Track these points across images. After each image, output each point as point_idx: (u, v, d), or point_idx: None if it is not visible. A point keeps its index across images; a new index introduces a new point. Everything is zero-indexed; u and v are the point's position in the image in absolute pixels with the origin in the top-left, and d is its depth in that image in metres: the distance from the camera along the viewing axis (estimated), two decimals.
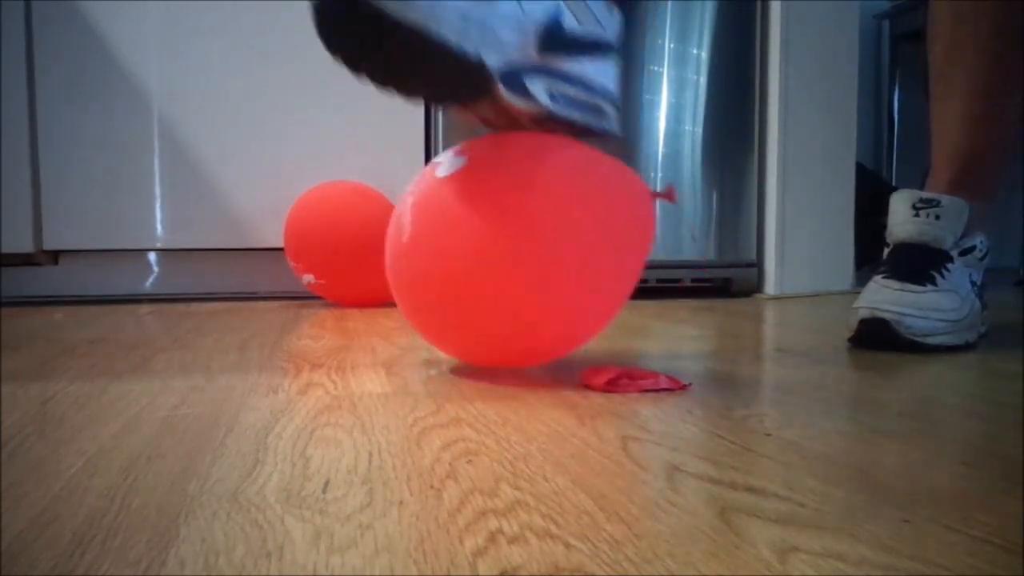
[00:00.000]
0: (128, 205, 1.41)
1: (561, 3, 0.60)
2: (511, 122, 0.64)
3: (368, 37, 0.53)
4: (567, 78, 0.62)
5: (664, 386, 0.62)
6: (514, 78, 0.57)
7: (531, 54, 0.59)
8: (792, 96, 1.60)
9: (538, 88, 0.60)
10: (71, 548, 0.32)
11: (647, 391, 0.62)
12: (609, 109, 0.67)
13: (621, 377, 0.63)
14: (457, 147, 0.66)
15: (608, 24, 0.65)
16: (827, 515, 0.35)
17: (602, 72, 0.65)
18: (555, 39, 0.60)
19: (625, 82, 1.53)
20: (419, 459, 0.44)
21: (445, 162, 0.65)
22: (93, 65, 1.38)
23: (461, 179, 0.62)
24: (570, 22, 0.61)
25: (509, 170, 0.62)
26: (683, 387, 0.63)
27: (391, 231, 0.68)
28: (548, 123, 0.63)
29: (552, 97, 0.61)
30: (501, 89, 0.57)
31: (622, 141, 1.39)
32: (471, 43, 0.54)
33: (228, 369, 0.73)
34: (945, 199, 0.89)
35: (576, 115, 0.64)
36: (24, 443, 0.48)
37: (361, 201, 1.33)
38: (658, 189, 1.57)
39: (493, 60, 0.55)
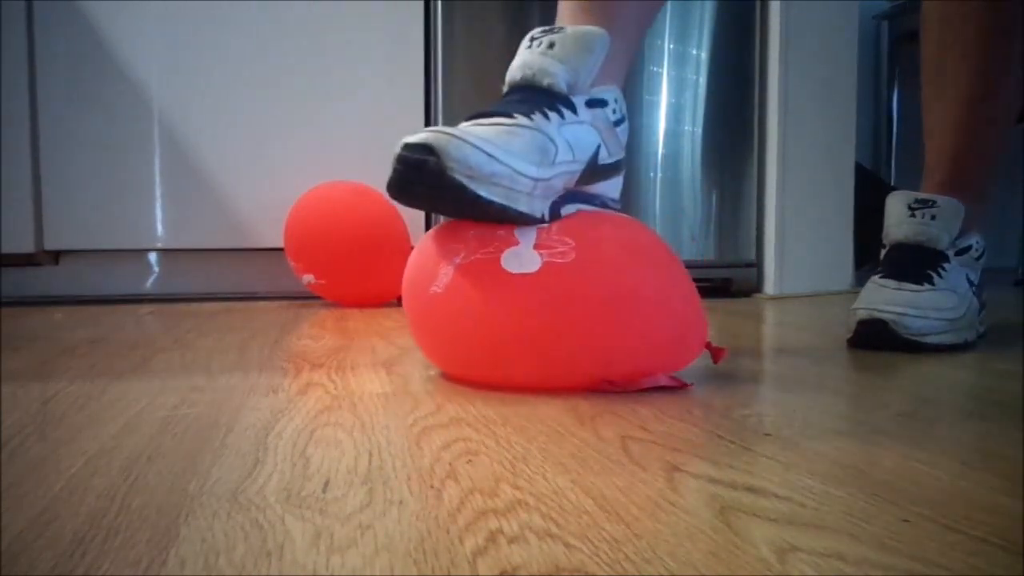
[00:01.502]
0: (128, 205, 1.41)
1: (600, 142, 0.70)
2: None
3: (446, 201, 0.61)
4: (588, 199, 0.70)
5: (664, 383, 0.63)
6: (554, 208, 0.66)
7: (569, 187, 0.68)
8: (792, 96, 1.60)
9: (569, 211, 0.68)
10: (71, 548, 0.32)
11: (647, 389, 0.62)
12: (615, 184, 0.75)
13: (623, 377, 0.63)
14: (518, 240, 0.63)
15: (624, 142, 0.74)
16: (827, 515, 0.35)
17: (613, 186, 0.73)
18: (592, 173, 0.70)
19: (626, 85, 1.53)
20: (419, 459, 0.44)
21: (511, 257, 0.61)
22: (93, 65, 1.38)
23: (552, 280, 0.61)
24: (603, 155, 0.70)
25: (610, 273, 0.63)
26: (684, 386, 0.64)
27: (416, 280, 0.66)
28: None
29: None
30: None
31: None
32: (537, 206, 0.64)
33: (228, 369, 0.73)
34: (941, 199, 0.89)
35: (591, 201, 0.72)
36: (24, 443, 0.48)
37: (361, 201, 1.33)
38: (657, 191, 1.57)
39: (544, 206, 0.65)
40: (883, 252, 0.93)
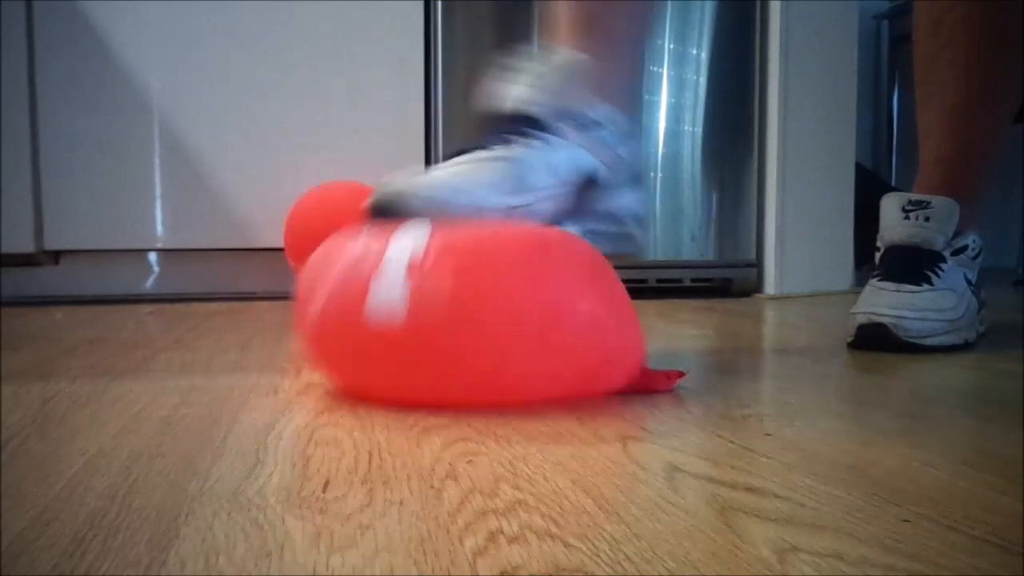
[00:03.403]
0: (128, 205, 1.41)
1: (597, 162, 0.70)
2: None
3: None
4: (599, 217, 0.71)
5: (652, 386, 0.62)
6: (544, 215, 0.67)
7: (567, 205, 0.69)
8: (792, 96, 1.60)
9: (573, 229, 0.68)
10: (71, 548, 0.32)
11: (647, 390, 0.62)
12: (637, 232, 0.76)
13: None
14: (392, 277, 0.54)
15: (633, 154, 0.75)
16: (827, 515, 0.35)
17: (632, 200, 0.74)
18: (590, 193, 0.70)
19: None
20: (419, 459, 0.44)
21: (377, 300, 0.53)
22: (93, 65, 1.38)
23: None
24: (601, 169, 0.71)
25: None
26: (669, 389, 0.62)
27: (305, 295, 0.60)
28: None
29: (584, 235, 0.70)
30: None
31: (644, 255, 1.47)
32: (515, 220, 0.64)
33: (228, 369, 0.73)
34: (934, 200, 0.89)
35: (606, 247, 0.71)
36: (24, 443, 0.48)
37: (361, 201, 1.33)
38: (657, 191, 1.57)
39: (536, 224, 0.65)
40: (878, 255, 0.93)
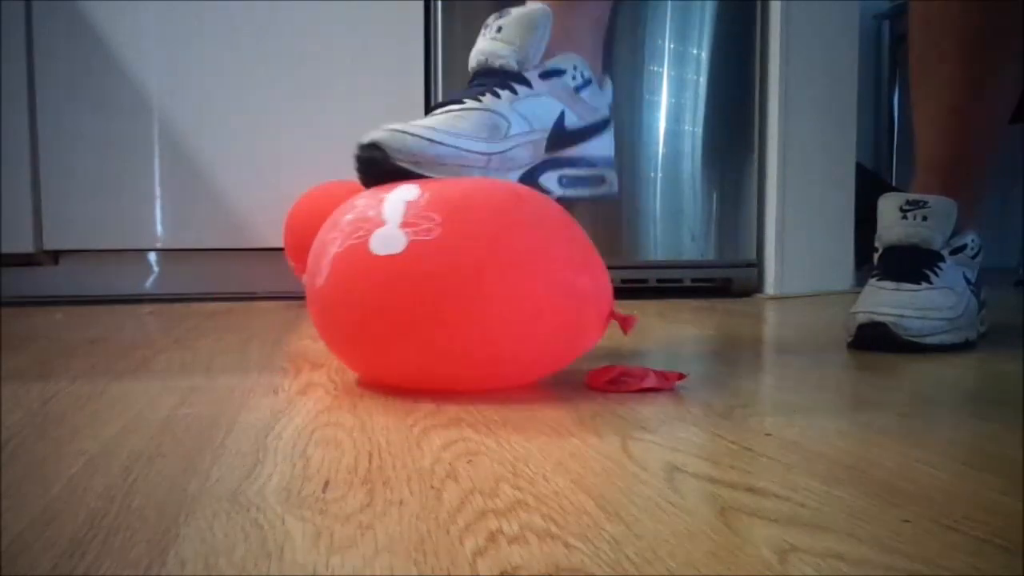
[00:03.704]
0: (128, 205, 1.41)
1: (564, 108, 0.74)
2: None
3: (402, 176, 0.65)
4: (572, 162, 0.75)
5: (652, 384, 0.62)
6: (529, 177, 0.71)
7: (541, 155, 0.72)
8: (792, 96, 1.60)
9: (550, 179, 0.72)
10: (71, 548, 0.32)
11: (647, 390, 0.62)
12: (610, 175, 0.79)
13: (622, 376, 0.63)
14: (391, 214, 0.60)
15: (602, 103, 0.78)
16: (827, 515, 0.35)
17: (601, 144, 0.78)
18: (560, 138, 0.74)
19: (626, 84, 1.53)
20: (419, 459, 0.44)
21: (378, 239, 0.59)
22: (93, 65, 1.38)
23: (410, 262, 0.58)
24: (571, 120, 0.75)
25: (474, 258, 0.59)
26: (671, 388, 0.63)
27: (309, 277, 0.65)
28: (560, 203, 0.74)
29: (561, 182, 0.74)
30: None
31: (618, 202, 1.52)
32: (494, 173, 0.68)
33: (228, 369, 0.73)
34: (932, 200, 0.89)
35: (583, 191, 0.76)
36: (24, 443, 0.48)
37: None
38: (658, 191, 1.57)
39: (513, 176, 0.69)
40: (876, 256, 0.93)
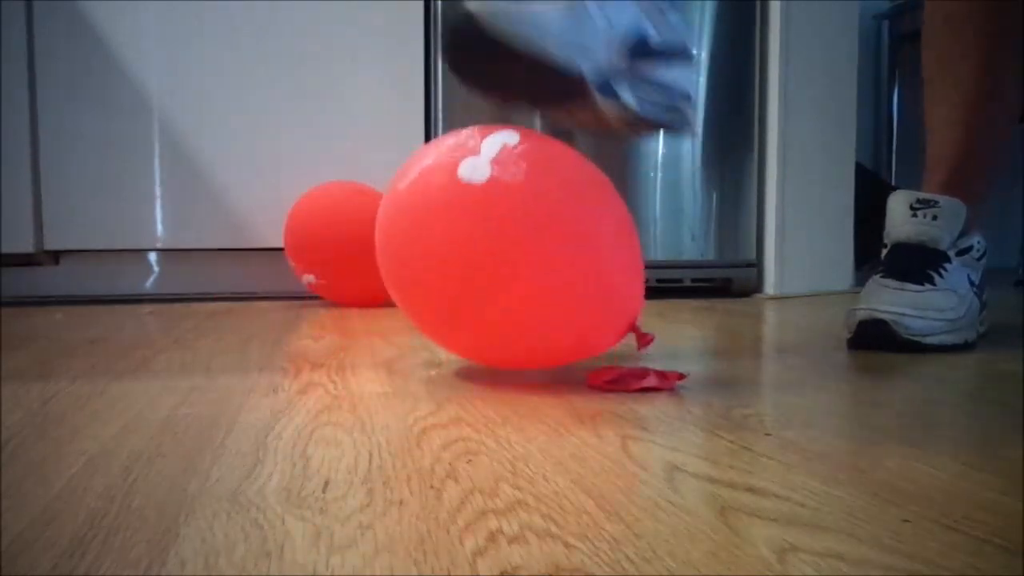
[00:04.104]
0: (128, 205, 1.41)
1: (643, 17, 0.69)
2: (604, 124, 0.70)
3: (489, 56, 0.62)
4: (651, 82, 0.70)
5: (652, 384, 0.62)
6: (607, 86, 0.66)
7: (620, 64, 0.67)
8: (792, 96, 1.60)
9: (626, 93, 0.68)
10: (71, 548, 0.32)
11: (648, 390, 0.62)
12: (687, 109, 0.75)
13: (624, 377, 0.63)
14: (477, 145, 0.65)
15: (684, 31, 0.74)
16: (827, 515, 0.35)
17: (681, 76, 0.73)
18: (640, 49, 0.69)
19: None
20: (419, 459, 0.44)
21: (467, 165, 0.63)
22: (93, 65, 1.38)
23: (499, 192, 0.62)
24: (652, 33, 0.70)
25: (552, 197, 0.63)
26: (671, 388, 0.63)
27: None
28: (635, 124, 0.71)
29: (639, 101, 0.69)
30: (596, 96, 0.65)
31: (695, 135, 1.52)
32: (572, 60, 0.63)
33: (228, 369, 0.73)
34: (942, 199, 0.89)
35: (660, 116, 0.72)
36: (24, 443, 0.48)
37: (361, 201, 1.33)
38: (658, 191, 1.57)
39: (589, 72, 0.64)
40: (884, 252, 0.93)
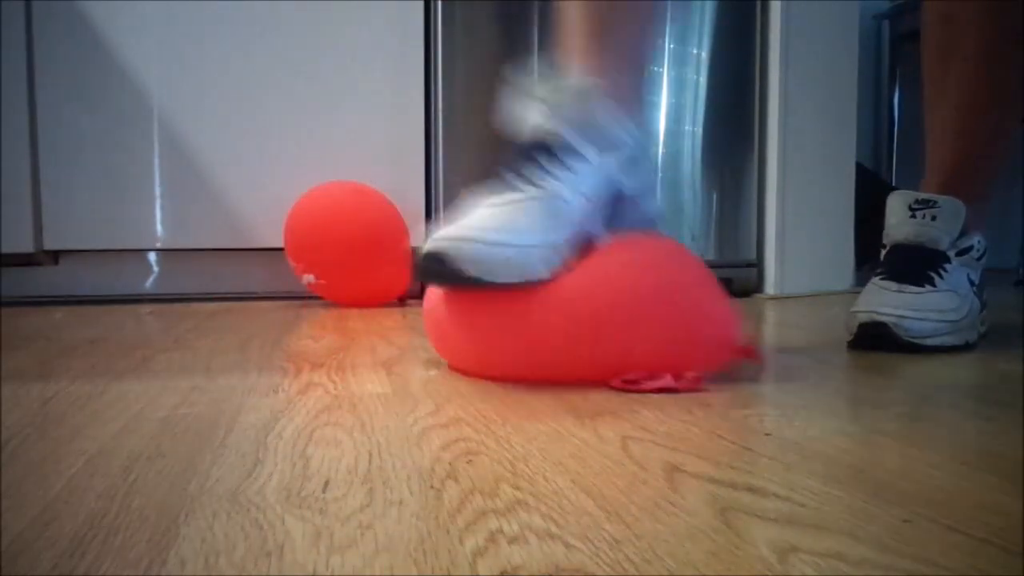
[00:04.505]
0: (128, 205, 1.41)
1: (620, 178, 0.73)
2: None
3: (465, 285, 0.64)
4: (627, 222, 0.74)
5: (672, 385, 0.62)
6: (583, 239, 0.69)
7: (602, 221, 0.72)
8: (792, 96, 1.60)
9: (598, 228, 0.71)
10: (71, 548, 0.32)
11: (662, 391, 0.62)
12: (651, 205, 0.79)
13: (640, 377, 0.63)
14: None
15: (649, 161, 0.80)
16: (827, 515, 0.35)
17: (651, 203, 0.78)
18: (618, 202, 0.73)
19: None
20: (419, 459, 0.44)
21: None
22: (93, 65, 1.38)
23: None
24: (628, 188, 0.74)
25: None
26: (697, 389, 0.63)
27: None
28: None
29: (607, 225, 0.73)
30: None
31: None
32: (558, 261, 0.66)
33: (228, 369, 0.73)
34: (942, 200, 0.89)
35: (633, 226, 0.75)
36: (24, 443, 0.48)
37: (361, 201, 1.33)
38: (658, 191, 1.57)
39: (556, 261, 0.66)
40: (883, 253, 0.93)
